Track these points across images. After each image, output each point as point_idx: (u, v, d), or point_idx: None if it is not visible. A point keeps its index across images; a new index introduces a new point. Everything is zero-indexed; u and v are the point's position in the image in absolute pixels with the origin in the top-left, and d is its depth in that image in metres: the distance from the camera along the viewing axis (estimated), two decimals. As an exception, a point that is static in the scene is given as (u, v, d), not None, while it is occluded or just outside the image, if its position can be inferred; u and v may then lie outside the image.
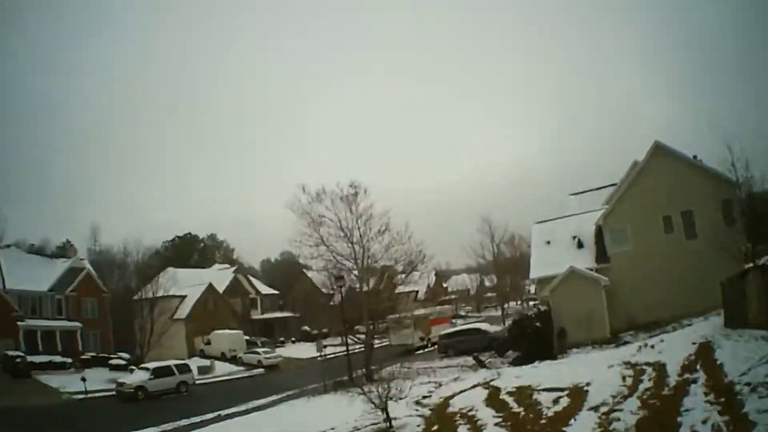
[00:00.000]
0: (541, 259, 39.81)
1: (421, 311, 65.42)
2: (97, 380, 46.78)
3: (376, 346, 44.39)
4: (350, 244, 40.44)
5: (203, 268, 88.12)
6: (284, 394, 38.93)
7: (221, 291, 76.20)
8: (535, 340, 33.34)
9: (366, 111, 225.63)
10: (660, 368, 19.86)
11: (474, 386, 26.89)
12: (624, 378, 20.19)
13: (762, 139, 37.04)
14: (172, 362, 47.60)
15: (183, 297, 72.90)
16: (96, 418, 35.80)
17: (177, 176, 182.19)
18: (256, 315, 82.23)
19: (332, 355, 46.03)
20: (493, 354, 39.50)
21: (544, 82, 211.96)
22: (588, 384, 20.48)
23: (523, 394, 22.11)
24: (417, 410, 24.27)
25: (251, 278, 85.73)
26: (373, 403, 22.19)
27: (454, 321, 70.98)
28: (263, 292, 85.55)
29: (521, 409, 19.92)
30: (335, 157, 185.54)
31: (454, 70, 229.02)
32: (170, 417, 33.59)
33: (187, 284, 74.00)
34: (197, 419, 33.02)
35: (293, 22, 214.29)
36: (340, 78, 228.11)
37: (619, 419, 15.17)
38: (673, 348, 22.55)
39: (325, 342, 48.93)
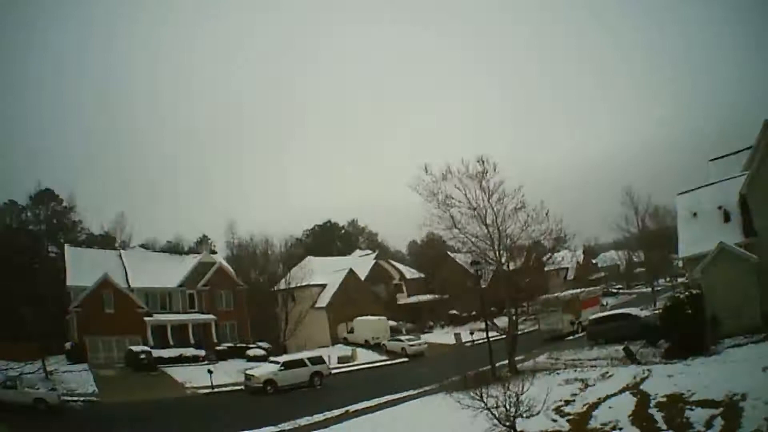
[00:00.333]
0: (689, 235, 36.67)
1: (569, 292, 60.03)
2: (231, 372, 45.41)
3: (525, 331, 39.26)
4: (484, 225, 35.59)
5: (345, 255, 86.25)
6: (421, 389, 34.26)
7: (363, 277, 73.39)
8: (688, 329, 29.15)
9: (493, 87, 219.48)
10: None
11: (622, 390, 23.48)
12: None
13: None
14: (304, 354, 45.10)
15: (323, 285, 71.18)
16: (211, 413, 33.46)
17: (321, 163, 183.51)
18: (402, 299, 78.95)
19: (481, 341, 41.52)
20: (644, 344, 35.72)
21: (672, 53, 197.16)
22: (743, 397, 17.60)
23: (674, 409, 19.14)
24: (554, 422, 20.74)
25: (395, 263, 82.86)
26: (497, 419, 17.95)
27: (604, 303, 67.24)
28: (408, 277, 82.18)
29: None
30: (464, 134, 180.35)
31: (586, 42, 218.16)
32: (294, 413, 30.06)
33: (328, 272, 72.48)
34: (320, 417, 29.09)
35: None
36: (467, 65, 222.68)
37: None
38: None
39: (472, 327, 44.60)
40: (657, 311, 41.23)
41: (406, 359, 52.54)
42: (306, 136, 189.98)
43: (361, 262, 77.69)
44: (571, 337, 50.41)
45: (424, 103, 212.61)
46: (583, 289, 64.27)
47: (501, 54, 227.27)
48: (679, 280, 71.29)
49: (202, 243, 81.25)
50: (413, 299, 77.81)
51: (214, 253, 74.42)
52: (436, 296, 75.13)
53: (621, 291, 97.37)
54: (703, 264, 31.40)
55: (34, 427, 30.30)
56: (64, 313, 56.33)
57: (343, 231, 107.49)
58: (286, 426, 28.03)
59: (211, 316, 59.31)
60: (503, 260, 37.20)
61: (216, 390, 39.87)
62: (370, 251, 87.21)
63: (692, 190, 40.68)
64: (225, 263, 68.08)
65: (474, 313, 69.52)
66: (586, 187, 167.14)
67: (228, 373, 45.00)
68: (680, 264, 52.34)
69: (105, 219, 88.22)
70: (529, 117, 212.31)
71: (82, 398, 38.21)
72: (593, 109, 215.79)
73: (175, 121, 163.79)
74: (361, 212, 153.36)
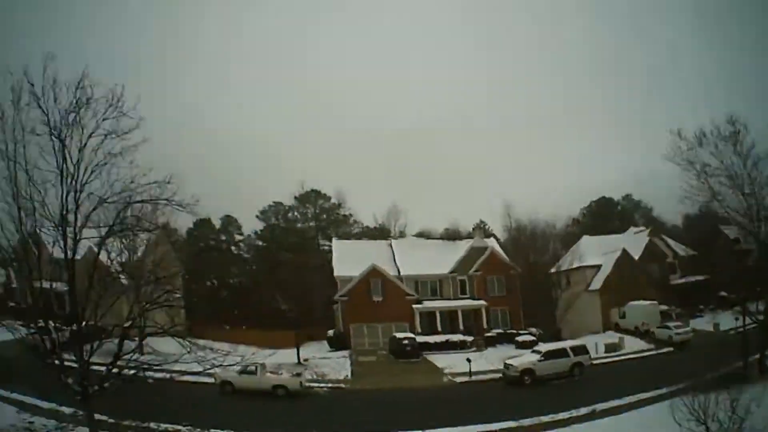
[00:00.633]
0: None
1: None
2: (494, 360, 46.58)
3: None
4: (741, 195, 33.04)
5: (621, 232, 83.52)
6: (674, 387, 30.72)
7: (637, 256, 69.59)
8: None
9: None
10: None
11: None
12: None
13: None
14: (567, 343, 44.84)
15: (597, 267, 69.19)
16: (451, 403, 34.57)
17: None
18: (675, 280, 73.89)
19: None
20: None
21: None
22: None
23: None
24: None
25: (667, 239, 78.36)
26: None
27: None
28: (681, 254, 76.45)
29: None
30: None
31: None
32: (540, 408, 30.51)
33: (602, 252, 70.56)
34: (565, 415, 29.48)
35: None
36: None
37: None
38: None
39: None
40: None
41: (671, 349, 49.41)
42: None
43: (635, 240, 74.05)
44: None
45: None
46: None
47: None
48: None
49: (478, 228, 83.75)
50: (684, 280, 73.40)
51: (491, 237, 75.94)
52: (707, 276, 70.29)
53: None
54: None
55: (261, 409, 33.68)
56: (331, 302, 62.67)
57: (618, 207, 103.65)
58: (525, 422, 28.68)
59: (481, 302, 60.98)
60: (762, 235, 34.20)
61: (473, 378, 41.52)
62: (643, 228, 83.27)
63: None
64: (497, 248, 69.06)
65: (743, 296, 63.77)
66: None
67: (491, 361, 46.48)
68: None
69: (378, 211, 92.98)
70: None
71: (329, 384, 41.36)
72: None
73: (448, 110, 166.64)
74: (635, 185, 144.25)
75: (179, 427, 27.57)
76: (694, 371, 31.35)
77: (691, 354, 44.10)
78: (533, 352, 42.69)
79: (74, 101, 18.91)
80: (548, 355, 40.55)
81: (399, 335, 51.82)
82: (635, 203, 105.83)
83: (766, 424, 17.52)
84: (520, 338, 54.92)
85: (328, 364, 48.29)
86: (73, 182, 19.29)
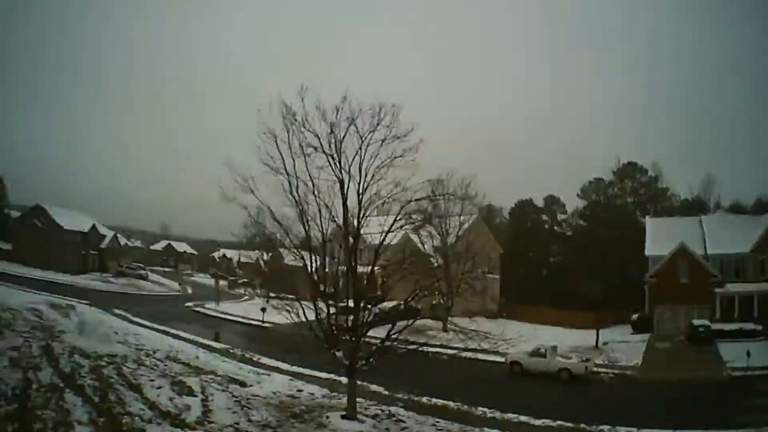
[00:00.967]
0: None
1: None
2: None
3: None
4: None
5: None
6: None
7: None
8: None
9: None
10: None
11: None
12: None
13: None
14: None
15: None
16: (712, 404, 29.89)
17: None
18: None
19: None
20: None
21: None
22: None
23: None
24: None
25: None
26: None
27: None
28: None
29: None
30: None
31: None
32: None
33: None
34: None
35: None
36: None
37: None
38: None
39: None
40: None
41: None
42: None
43: None
44: None
45: None
46: None
47: None
48: None
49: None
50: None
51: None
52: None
53: None
54: None
55: (535, 391, 34.22)
56: (641, 283, 60.69)
57: None
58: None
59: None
60: None
61: (751, 373, 36.53)
62: None
63: None
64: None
65: None
66: None
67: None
68: None
69: (693, 183, 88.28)
70: None
71: (615, 371, 40.66)
72: None
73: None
74: None
75: (449, 403, 28.38)
76: None
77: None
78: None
79: (339, 121, 23.14)
80: None
81: (695, 322, 49.87)
82: None
83: None
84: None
85: (623, 349, 48.16)
86: (357, 186, 23.74)
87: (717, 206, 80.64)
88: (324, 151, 23.46)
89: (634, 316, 58.02)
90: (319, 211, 24.37)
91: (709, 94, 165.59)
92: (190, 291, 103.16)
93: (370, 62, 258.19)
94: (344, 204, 24.20)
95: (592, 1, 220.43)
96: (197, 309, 67.45)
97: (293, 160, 23.40)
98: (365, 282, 26.55)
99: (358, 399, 25.34)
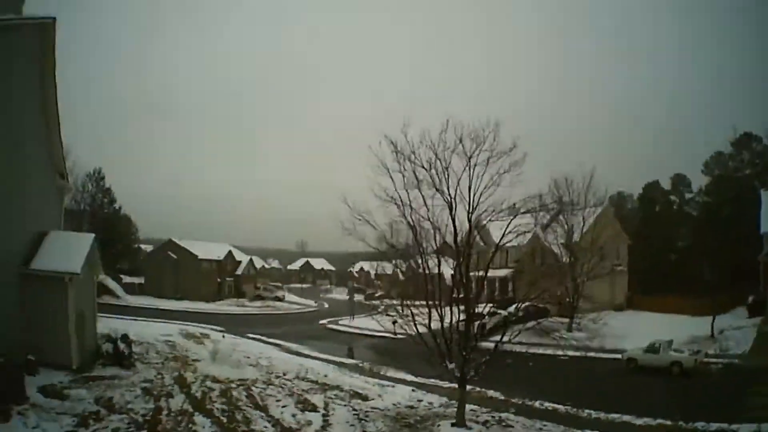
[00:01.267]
0: None
1: None
2: None
3: None
4: None
5: None
6: None
7: None
8: None
9: None
10: None
11: None
12: None
13: None
14: None
15: None
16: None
17: None
18: None
19: None
20: None
21: None
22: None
23: None
24: None
25: None
26: None
27: None
28: None
29: None
30: None
31: None
32: None
33: None
34: None
35: None
36: None
37: None
38: None
39: None
40: None
41: None
42: None
43: None
44: None
45: None
46: None
47: None
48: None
49: None
50: None
51: None
52: None
53: None
54: None
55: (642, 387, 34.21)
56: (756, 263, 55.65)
57: None
58: None
59: None
60: None
61: None
62: None
63: None
64: None
65: None
66: None
67: None
68: None
69: None
70: None
71: (725, 360, 40.16)
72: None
73: None
74: None
75: (559, 407, 29.06)
76: None
77: None
78: None
79: (443, 148, 24.26)
80: None
81: None
82: None
83: None
84: None
85: (736, 336, 46.63)
86: (466, 206, 24.67)
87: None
88: (433, 183, 24.68)
89: (750, 299, 55.09)
90: (433, 232, 25.96)
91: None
92: (326, 306, 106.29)
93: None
94: (454, 226, 25.21)
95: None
96: (331, 326, 69.45)
97: (406, 191, 24.83)
98: (480, 288, 28.25)
99: (474, 406, 26.75)
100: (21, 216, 25.15)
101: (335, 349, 49.07)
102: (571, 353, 46.11)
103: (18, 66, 24.69)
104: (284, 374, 33.77)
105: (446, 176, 24.37)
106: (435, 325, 24.86)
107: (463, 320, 25.34)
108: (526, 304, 57.31)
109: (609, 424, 25.80)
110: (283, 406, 24.80)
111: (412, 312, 25.43)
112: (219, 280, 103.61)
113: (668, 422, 25.22)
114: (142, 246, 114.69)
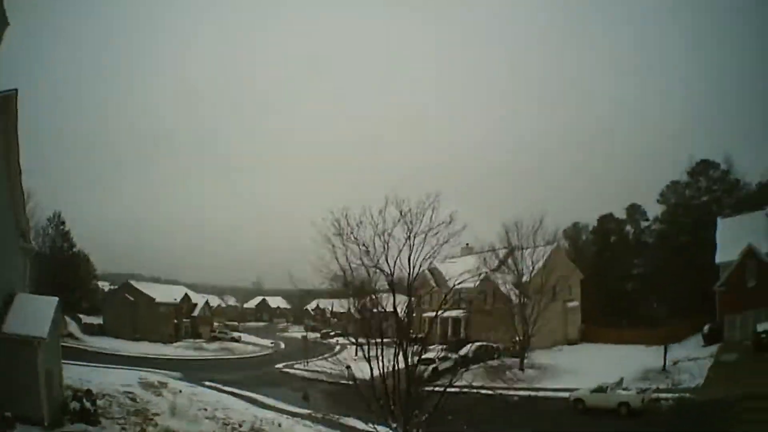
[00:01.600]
0: None
1: None
2: None
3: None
4: None
5: None
6: None
7: None
8: None
9: None
10: None
11: None
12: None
13: None
14: None
15: None
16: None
17: None
18: None
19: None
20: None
21: None
22: None
23: None
24: None
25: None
26: None
27: None
28: None
29: None
30: None
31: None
32: None
33: None
34: None
35: None
36: None
37: None
38: None
39: None
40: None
41: None
42: None
43: None
44: None
45: None
46: None
47: None
48: None
49: None
50: None
51: None
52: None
53: None
54: None
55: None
56: (710, 294, 58.43)
57: None
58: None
59: None
60: None
61: None
62: None
63: None
64: None
65: None
66: None
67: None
68: None
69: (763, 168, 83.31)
70: None
71: (676, 394, 39.82)
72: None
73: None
74: None
75: None
76: None
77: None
78: None
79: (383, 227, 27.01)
80: None
81: (759, 327, 46.78)
82: None
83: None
84: None
85: (690, 368, 46.95)
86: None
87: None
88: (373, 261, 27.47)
89: (706, 328, 57.10)
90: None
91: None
92: (282, 346, 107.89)
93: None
94: (394, 303, 27.89)
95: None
96: (287, 370, 71.07)
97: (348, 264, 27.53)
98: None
99: None
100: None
101: (290, 397, 50.65)
102: (522, 393, 46.92)
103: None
104: (240, 426, 35.70)
105: (385, 250, 26.90)
106: (385, 370, 26.40)
107: (414, 365, 26.93)
108: (478, 344, 60.23)
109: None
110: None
111: (366, 355, 27.13)
112: (176, 321, 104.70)
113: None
114: (101, 283, 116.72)
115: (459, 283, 29.56)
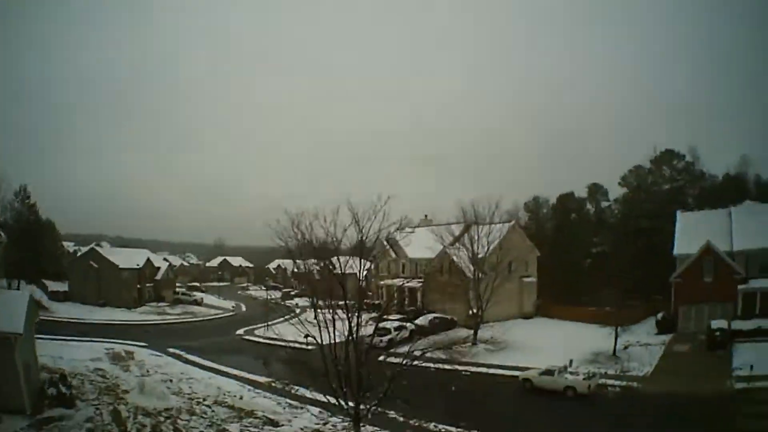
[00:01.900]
0: None
1: None
2: None
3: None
4: None
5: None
6: None
7: None
8: None
9: None
10: None
11: None
12: None
13: None
14: None
15: None
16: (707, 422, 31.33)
17: None
18: None
19: None
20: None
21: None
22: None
23: None
24: None
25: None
26: None
27: None
28: None
29: None
30: None
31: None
32: None
33: None
34: None
35: None
36: None
37: None
38: None
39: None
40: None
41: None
42: None
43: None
44: None
45: None
46: None
47: None
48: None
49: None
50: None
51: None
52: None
53: None
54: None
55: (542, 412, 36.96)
56: (666, 284, 61.33)
57: None
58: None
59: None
60: None
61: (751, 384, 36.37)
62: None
63: None
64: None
65: None
66: None
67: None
68: None
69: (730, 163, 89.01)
70: None
71: (623, 382, 41.24)
72: None
73: None
74: None
75: (452, 429, 32.57)
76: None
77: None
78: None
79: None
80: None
81: (713, 324, 49.42)
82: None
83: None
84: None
85: (640, 355, 48.61)
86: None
87: (757, 183, 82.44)
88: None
89: (659, 315, 59.22)
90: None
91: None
92: (244, 309, 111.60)
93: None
94: (344, 290, 28.67)
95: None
96: (248, 337, 73.59)
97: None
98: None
99: (374, 427, 30.47)
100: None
101: (251, 365, 52.82)
102: (473, 369, 47.85)
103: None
104: (204, 400, 38.77)
105: (337, 251, 29.31)
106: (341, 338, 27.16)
107: (372, 335, 28.80)
108: (434, 315, 62.92)
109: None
110: (206, 438, 30.01)
111: (324, 319, 27.99)
112: (139, 286, 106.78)
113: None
114: (66, 243, 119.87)
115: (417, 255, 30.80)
